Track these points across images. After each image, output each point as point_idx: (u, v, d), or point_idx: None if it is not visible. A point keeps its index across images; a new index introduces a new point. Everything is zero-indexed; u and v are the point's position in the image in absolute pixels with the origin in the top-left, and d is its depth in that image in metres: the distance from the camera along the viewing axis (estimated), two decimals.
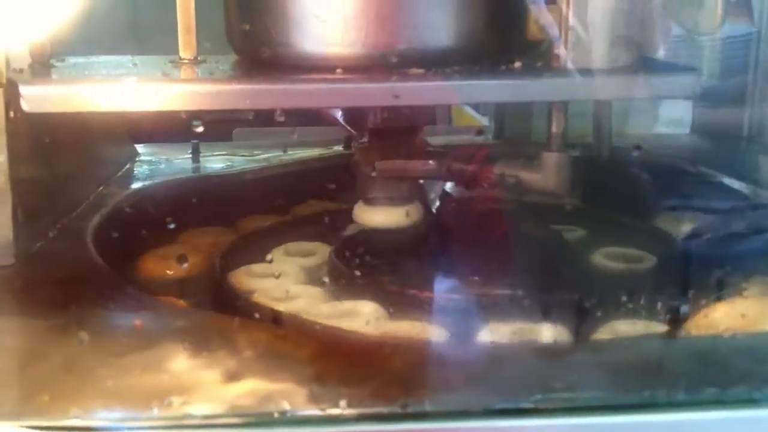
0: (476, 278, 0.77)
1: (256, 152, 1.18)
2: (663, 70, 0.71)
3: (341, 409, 0.45)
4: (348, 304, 0.71)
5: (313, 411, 0.45)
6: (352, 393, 0.47)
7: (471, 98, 0.70)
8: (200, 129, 0.72)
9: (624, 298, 0.69)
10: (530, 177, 0.75)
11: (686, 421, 0.45)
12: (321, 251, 0.87)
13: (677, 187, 0.96)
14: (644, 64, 0.71)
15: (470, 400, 0.46)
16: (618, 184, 0.99)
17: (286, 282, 0.79)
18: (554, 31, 0.69)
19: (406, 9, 0.71)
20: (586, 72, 0.67)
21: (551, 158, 0.73)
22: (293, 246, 0.88)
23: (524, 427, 0.45)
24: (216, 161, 1.14)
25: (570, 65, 0.68)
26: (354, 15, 0.70)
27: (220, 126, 1.38)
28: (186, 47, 0.80)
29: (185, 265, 0.80)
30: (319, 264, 0.84)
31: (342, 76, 0.69)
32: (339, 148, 1.16)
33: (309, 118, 0.96)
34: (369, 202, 0.84)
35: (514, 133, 1.17)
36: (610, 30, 0.68)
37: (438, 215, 0.87)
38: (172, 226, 0.84)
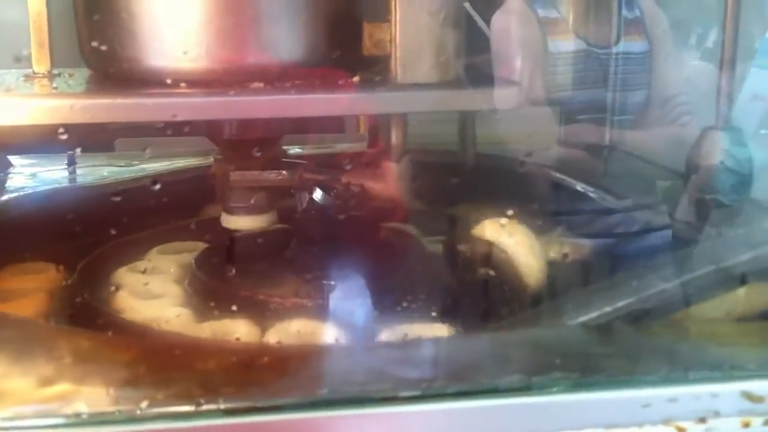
0: (325, 282, 0.81)
1: (134, 162, 1.19)
2: (486, 84, 0.75)
3: (140, 410, 0.48)
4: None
5: (110, 411, 0.47)
6: (158, 394, 0.50)
7: (295, 112, 0.73)
8: None
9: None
10: (374, 186, 0.79)
11: (463, 408, 0.49)
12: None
13: (532, 193, 1.01)
14: (471, 78, 0.75)
15: (263, 397, 0.49)
16: (478, 189, 1.04)
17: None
18: (388, 48, 0.73)
19: (245, 26, 0.74)
20: (413, 86, 0.71)
21: (392, 168, 0.78)
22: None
23: (309, 420, 0.48)
24: (92, 172, 1.15)
25: (400, 80, 0.72)
26: (195, 31, 0.73)
27: (103, 136, 1.39)
28: (39, 61, 0.81)
29: None
30: None
31: (150, 91, 0.72)
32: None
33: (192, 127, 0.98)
34: (230, 211, 0.87)
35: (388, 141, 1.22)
36: (435, 47, 0.72)
37: (300, 221, 0.90)
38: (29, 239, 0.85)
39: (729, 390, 0.50)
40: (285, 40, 0.75)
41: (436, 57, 0.72)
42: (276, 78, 0.74)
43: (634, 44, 1.50)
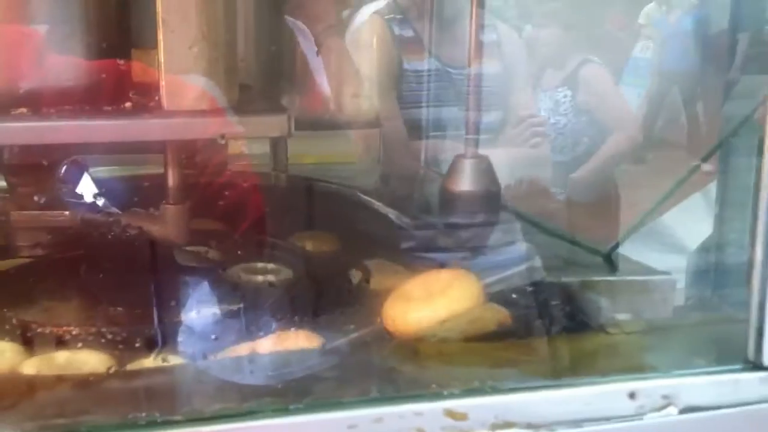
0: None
1: None
2: (256, 111, 0.77)
3: None
4: None
5: None
6: None
7: (54, 138, 0.73)
8: None
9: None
10: (152, 228, 0.80)
11: None
12: None
13: (332, 210, 1.04)
14: (244, 105, 0.77)
15: None
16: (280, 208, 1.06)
17: None
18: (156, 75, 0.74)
19: (9, 52, 0.73)
20: (175, 113, 0.72)
21: (170, 211, 0.78)
22: None
23: None
24: None
25: (167, 107, 0.72)
26: None
27: None
28: None
29: None
30: None
31: None
32: None
33: None
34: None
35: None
36: (203, 75, 0.73)
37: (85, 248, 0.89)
38: None
39: (433, 408, 0.53)
40: (52, 66, 0.74)
41: (204, 85, 0.73)
42: (44, 104, 0.74)
43: (490, 66, 1.55)
